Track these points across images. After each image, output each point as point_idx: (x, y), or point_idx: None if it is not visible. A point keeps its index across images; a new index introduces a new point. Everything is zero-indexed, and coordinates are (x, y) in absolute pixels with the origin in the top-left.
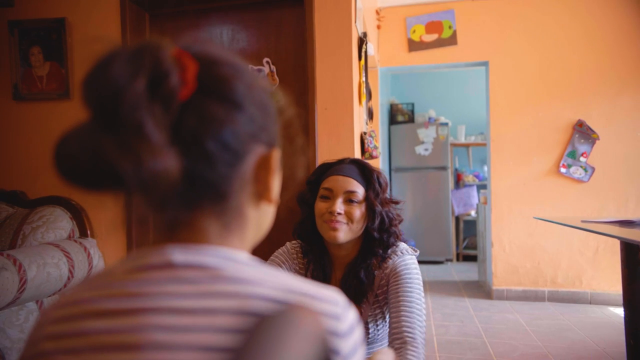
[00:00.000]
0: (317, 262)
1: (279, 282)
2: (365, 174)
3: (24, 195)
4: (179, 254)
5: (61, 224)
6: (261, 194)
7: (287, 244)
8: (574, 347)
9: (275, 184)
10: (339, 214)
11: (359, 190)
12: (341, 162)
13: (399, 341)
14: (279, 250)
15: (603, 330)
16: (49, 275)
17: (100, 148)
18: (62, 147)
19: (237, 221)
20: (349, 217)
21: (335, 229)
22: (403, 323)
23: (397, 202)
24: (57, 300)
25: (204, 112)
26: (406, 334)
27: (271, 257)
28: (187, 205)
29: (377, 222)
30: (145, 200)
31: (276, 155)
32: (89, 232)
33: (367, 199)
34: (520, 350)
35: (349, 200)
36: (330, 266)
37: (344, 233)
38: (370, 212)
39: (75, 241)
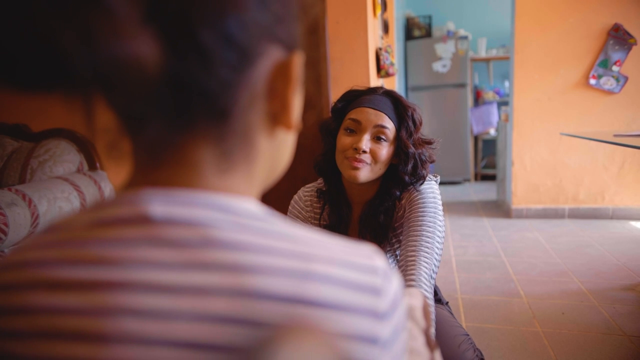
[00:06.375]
0: (333, 203)
1: (294, 248)
2: (399, 109)
3: (27, 129)
4: (159, 204)
5: (68, 157)
6: (277, 116)
7: (299, 191)
8: (594, 263)
9: (296, 103)
10: (364, 152)
11: (390, 127)
12: (373, 91)
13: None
14: (292, 200)
15: (624, 245)
16: (61, 209)
17: (33, 18)
18: None
19: (243, 151)
20: (374, 157)
21: (356, 168)
22: (409, 265)
23: (430, 143)
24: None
25: None
26: (410, 276)
27: (289, 210)
28: (172, 124)
29: (409, 165)
30: (113, 110)
31: (298, 62)
32: (98, 164)
33: (398, 138)
34: (539, 268)
35: (377, 137)
36: (347, 206)
37: (365, 173)
38: (402, 154)
39: (85, 174)
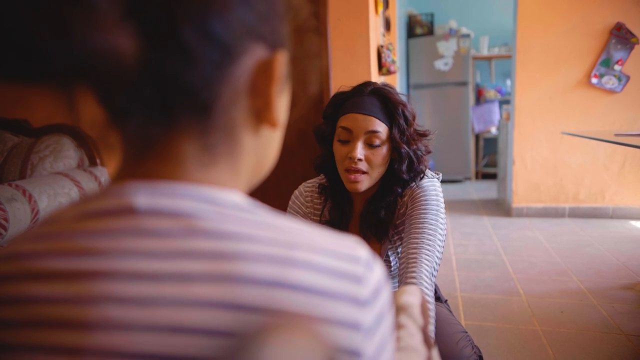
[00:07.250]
0: (335, 199)
1: (278, 236)
2: (389, 108)
3: (28, 124)
4: (143, 196)
5: (68, 152)
6: (261, 113)
7: (300, 186)
8: (594, 262)
9: (281, 101)
10: (360, 159)
11: (382, 130)
12: (360, 92)
13: (403, 283)
14: (293, 195)
15: (624, 245)
16: (61, 205)
17: (11, 8)
18: None
19: (226, 146)
20: (370, 164)
21: (355, 181)
22: (410, 262)
23: (425, 135)
24: None
25: None
26: (410, 274)
27: (289, 205)
28: (155, 118)
29: (404, 165)
30: (99, 104)
31: (282, 61)
32: (98, 160)
33: (391, 139)
34: (539, 267)
35: (370, 143)
36: (349, 202)
37: (365, 184)
38: (396, 153)
39: (85, 170)
